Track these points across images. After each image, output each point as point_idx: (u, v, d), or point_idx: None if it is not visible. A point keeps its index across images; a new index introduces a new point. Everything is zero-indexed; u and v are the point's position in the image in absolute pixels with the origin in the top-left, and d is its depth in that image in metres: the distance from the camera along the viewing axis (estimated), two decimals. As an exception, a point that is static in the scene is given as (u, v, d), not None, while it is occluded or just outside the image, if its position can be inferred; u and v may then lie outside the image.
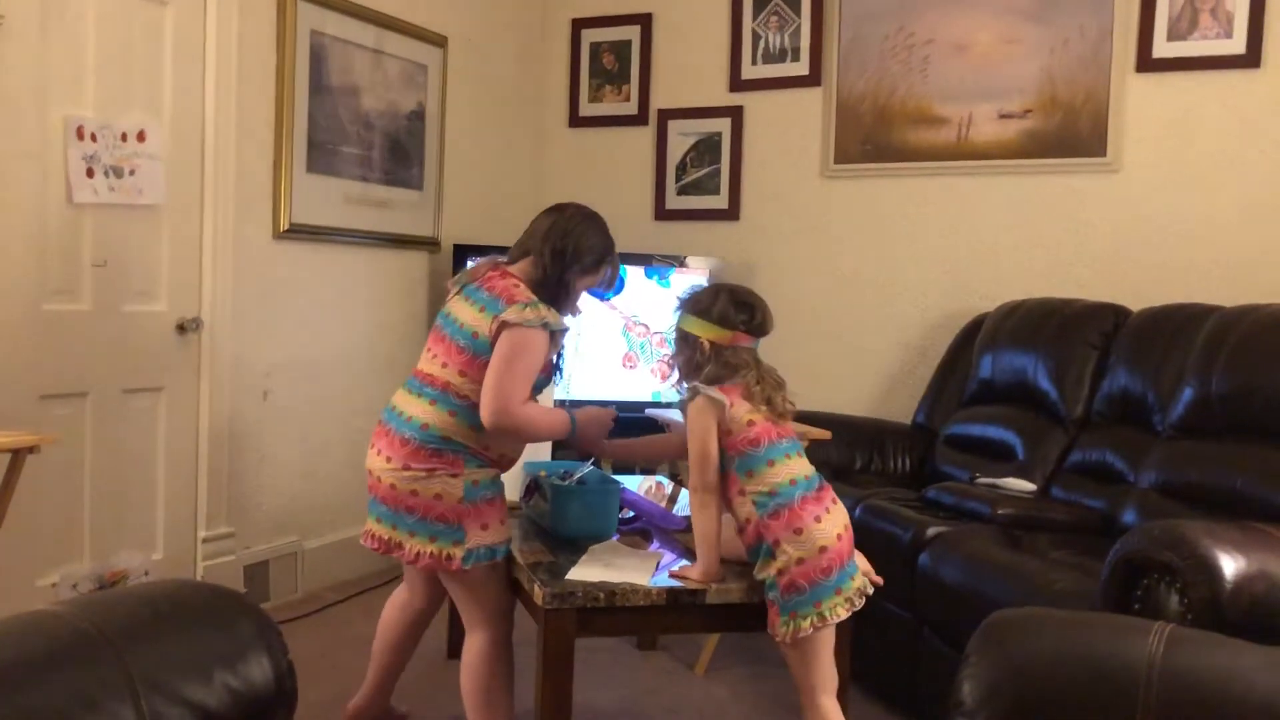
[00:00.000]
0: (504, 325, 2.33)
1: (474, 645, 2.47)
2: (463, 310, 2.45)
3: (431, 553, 2.35)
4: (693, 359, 2.32)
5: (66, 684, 1.15)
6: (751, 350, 2.32)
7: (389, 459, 2.39)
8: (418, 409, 2.41)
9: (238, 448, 3.75)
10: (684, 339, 2.34)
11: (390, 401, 2.54)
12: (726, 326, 2.29)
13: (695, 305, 2.34)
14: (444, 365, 2.42)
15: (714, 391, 2.23)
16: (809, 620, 2.13)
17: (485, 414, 2.32)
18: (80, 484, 3.24)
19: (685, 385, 2.34)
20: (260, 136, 3.74)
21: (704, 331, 2.29)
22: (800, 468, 2.26)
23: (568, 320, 2.53)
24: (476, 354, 2.37)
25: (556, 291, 2.47)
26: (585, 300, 2.66)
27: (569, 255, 2.48)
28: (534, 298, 2.39)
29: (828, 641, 2.20)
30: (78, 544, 3.24)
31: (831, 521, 2.21)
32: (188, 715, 1.23)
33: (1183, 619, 2.01)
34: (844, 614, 2.18)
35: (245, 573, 3.73)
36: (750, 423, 2.23)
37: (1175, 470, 3.06)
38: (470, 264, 4.37)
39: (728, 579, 2.28)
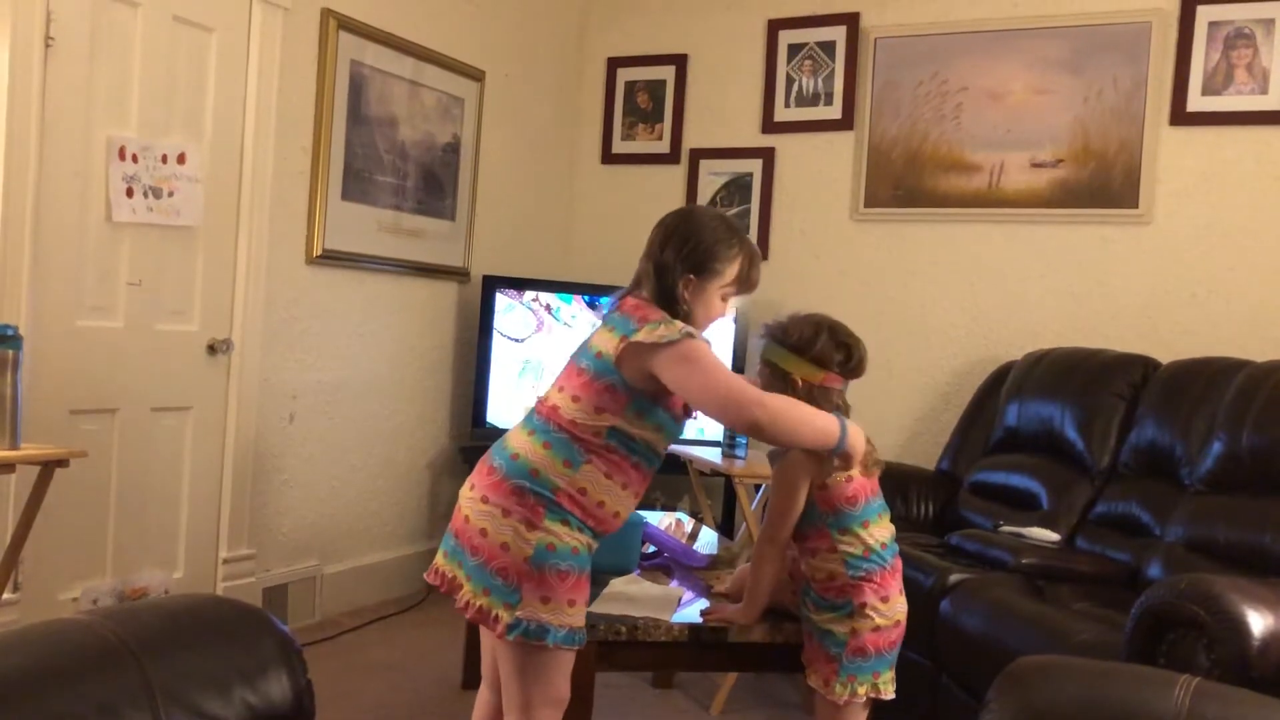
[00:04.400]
0: (639, 348, 2.03)
1: None
2: (599, 336, 2.14)
3: (481, 606, 2.03)
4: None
5: (89, 692, 1.16)
6: (841, 394, 2.19)
7: (472, 486, 2.13)
8: (516, 439, 2.13)
9: (261, 470, 3.77)
10: (775, 373, 2.18)
11: None
12: (821, 366, 2.15)
13: (790, 338, 2.18)
14: (560, 389, 2.14)
15: None
16: (865, 688, 2.08)
17: (727, 420, 2.07)
18: (106, 500, 3.26)
19: None
20: (297, 163, 3.80)
21: (797, 369, 2.15)
22: (888, 530, 2.19)
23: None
24: (597, 375, 2.07)
25: (674, 311, 2.13)
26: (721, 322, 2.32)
27: (664, 266, 2.15)
28: (666, 316, 2.09)
29: (864, 712, 2.14)
30: (100, 559, 3.26)
31: (904, 597, 2.18)
32: (205, 729, 1.24)
33: (1209, 675, 1.98)
34: (891, 693, 2.12)
35: (264, 595, 3.74)
36: (848, 478, 2.13)
37: (1203, 525, 3.02)
38: (499, 296, 4.40)
39: (752, 621, 2.26)
